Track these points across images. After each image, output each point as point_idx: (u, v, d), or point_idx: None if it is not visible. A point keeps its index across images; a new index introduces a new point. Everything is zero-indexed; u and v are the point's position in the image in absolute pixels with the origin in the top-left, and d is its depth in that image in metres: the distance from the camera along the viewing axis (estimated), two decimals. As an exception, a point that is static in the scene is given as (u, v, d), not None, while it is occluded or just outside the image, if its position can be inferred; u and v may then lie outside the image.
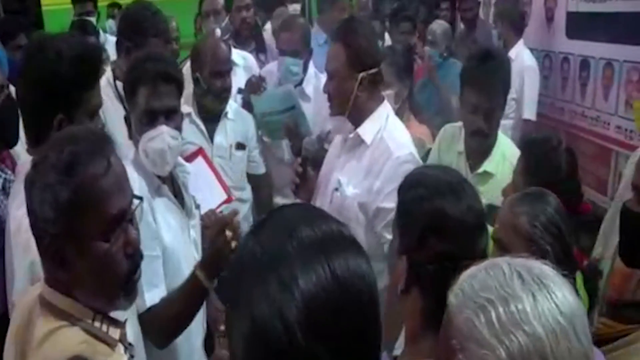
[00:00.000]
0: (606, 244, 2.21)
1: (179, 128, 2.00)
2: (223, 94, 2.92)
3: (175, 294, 1.84)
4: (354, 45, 2.16)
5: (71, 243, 1.21)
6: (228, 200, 2.72)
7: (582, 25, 4.05)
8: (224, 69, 2.89)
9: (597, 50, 3.86)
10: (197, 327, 2.00)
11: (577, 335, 0.87)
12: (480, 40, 4.25)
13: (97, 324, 1.27)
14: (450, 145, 2.56)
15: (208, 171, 2.69)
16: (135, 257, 1.30)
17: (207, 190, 2.59)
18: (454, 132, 2.56)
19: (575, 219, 2.02)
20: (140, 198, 1.35)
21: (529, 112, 4.02)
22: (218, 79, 2.86)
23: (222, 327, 2.08)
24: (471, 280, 0.94)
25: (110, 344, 1.28)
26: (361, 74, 2.15)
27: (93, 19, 5.14)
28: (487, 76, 2.32)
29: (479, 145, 2.42)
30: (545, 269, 0.92)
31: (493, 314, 0.87)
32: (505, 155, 2.39)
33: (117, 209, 1.25)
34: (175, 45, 4.29)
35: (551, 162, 2.03)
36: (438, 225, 1.27)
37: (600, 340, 1.55)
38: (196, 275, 1.75)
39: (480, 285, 0.92)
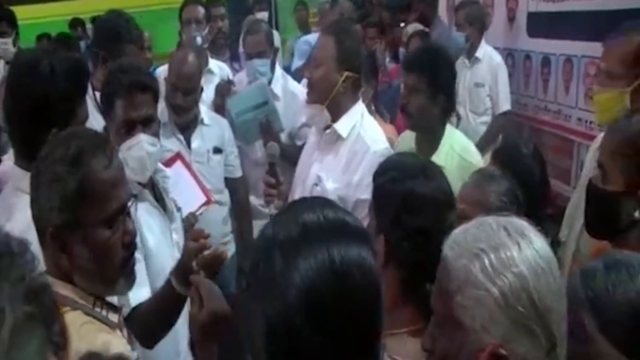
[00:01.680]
0: (572, 226, 2.32)
1: (156, 135, 2.05)
2: (178, 110, 2.93)
3: (155, 296, 1.86)
4: (345, 43, 2.22)
5: (76, 231, 1.29)
6: (208, 202, 2.78)
7: (542, 24, 4.18)
8: (184, 86, 2.88)
9: (557, 47, 4.00)
10: (184, 329, 2.01)
11: (553, 274, 1.03)
12: (438, 40, 4.34)
13: (97, 308, 1.35)
14: (404, 144, 2.66)
15: (187, 175, 2.74)
16: (131, 246, 1.39)
17: (187, 194, 2.64)
18: (408, 133, 2.67)
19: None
20: (135, 195, 1.43)
21: (506, 104, 4.18)
22: (175, 94, 2.89)
23: None
24: (464, 235, 1.08)
25: (110, 326, 1.36)
26: (347, 73, 2.22)
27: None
28: (419, 60, 2.47)
29: (422, 136, 2.53)
30: (524, 224, 1.08)
31: (486, 261, 1.02)
32: (454, 147, 2.46)
33: (119, 199, 1.34)
34: (149, 54, 4.33)
35: (523, 168, 2.14)
36: (410, 205, 1.37)
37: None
38: (170, 280, 1.76)
39: (473, 238, 1.06)
